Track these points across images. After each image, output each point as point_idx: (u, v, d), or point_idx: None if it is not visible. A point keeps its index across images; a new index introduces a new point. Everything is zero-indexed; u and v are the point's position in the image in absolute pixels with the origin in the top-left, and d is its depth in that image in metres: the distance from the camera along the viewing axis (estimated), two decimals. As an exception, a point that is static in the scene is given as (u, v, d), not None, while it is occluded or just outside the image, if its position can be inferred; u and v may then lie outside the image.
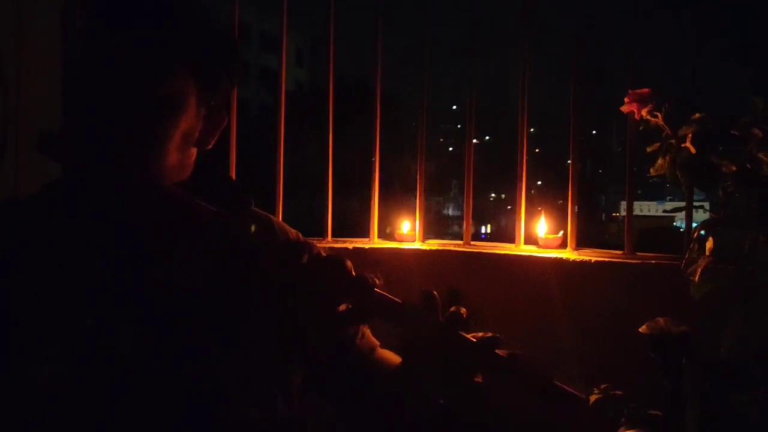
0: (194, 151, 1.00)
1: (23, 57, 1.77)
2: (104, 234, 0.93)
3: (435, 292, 0.93)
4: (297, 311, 0.87)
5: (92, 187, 0.93)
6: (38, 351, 0.85)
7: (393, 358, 1.11)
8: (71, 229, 0.92)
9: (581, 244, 1.71)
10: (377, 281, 0.88)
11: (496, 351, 0.93)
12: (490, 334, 0.94)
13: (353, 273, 0.87)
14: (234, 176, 1.91)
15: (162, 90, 0.92)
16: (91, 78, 0.93)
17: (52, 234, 0.92)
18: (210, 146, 1.02)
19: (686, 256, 1.21)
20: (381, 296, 0.89)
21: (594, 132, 30.78)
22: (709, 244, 1.20)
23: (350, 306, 0.88)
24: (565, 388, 0.92)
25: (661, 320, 1.18)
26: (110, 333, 0.87)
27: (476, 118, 1.82)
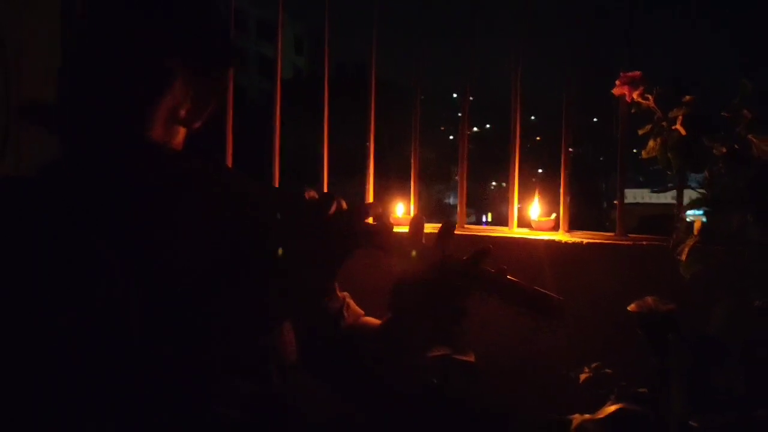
0: (182, 130, 1.03)
1: (23, 45, 1.78)
2: (106, 201, 0.95)
3: (422, 216, 0.99)
4: (295, 254, 0.90)
5: (90, 158, 0.96)
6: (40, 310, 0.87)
7: (377, 322, 1.14)
8: (74, 200, 0.95)
9: (582, 229, 1.73)
10: (372, 210, 0.93)
11: (483, 267, 0.96)
12: (476, 251, 0.97)
13: (345, 205, 0.91)
14: (230, 163, 1.93)
15: (149, 67, 0.95)
16: (79, 51, 0.96)
17: (56, 205, 0.94)
18: (196, 126, 1.04)
19: (673, 236, 1.23)
20: (372, 225, 0.93)
21: (595, 119, 30.72)
22: (697, 224, 1.22)
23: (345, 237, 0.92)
24: (546, 292, 0.95)
25: (649, 299, 1.19)
26: (110, 303, 0.89)
27: (477, 106, 1.84)
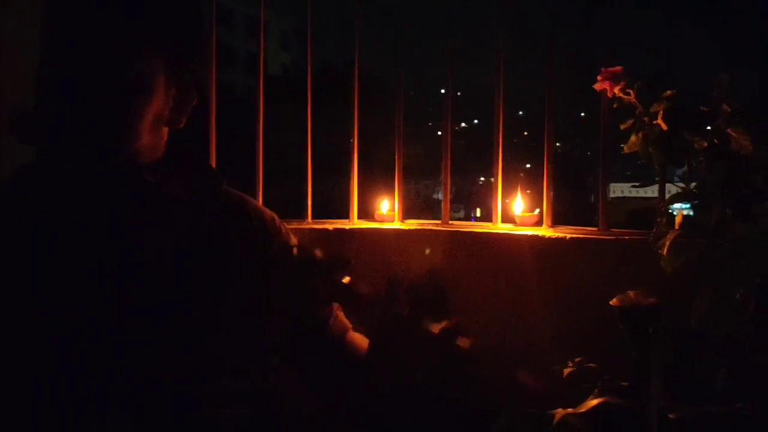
0: (166, 130, 1.02)
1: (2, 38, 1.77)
2: (82, 217, 0.94)
3: (400, 279, 0.98)
4: (268, 293, 0.90)
5: (69, 170, 0.95)
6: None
7: (364, 341, 1.14)
8: (49, 211, 0.94)
9: (570, 224, 1.74)
10: (347, 265, 0.93)
11: (459, 340, 0.96)
12: (450, 324, 0.97)
13: (320, 258, 0.91)
14: (214, 160, 1.92)
15: (132, 72, 0.93)
16: (62, 61, 0.94)
17: (30, 216, 0.94)
18: (181, 125, 1.03)
19: (654, 229, 1.23)
20: (348, 286, 0.93)
21: (583, 114, 30.77)
22: (678, 218, 1.23)
23: (317, 291, 0.92)
24: (523, 376, 0.96)
25: (631, 293, 1.20)
26: (89, 304, 0.89)
27: (466, 101, 1.85)
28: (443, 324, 0.98)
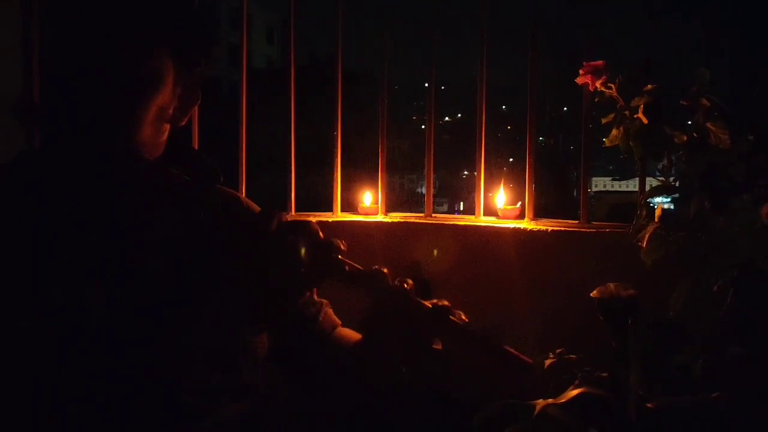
0: (167, 127, 1.02)
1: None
2: (81, 203, 0.94)
3: (385, 270, 0.99)
4: (267, 274, 0.91)
5: (72, 156, 0.95)
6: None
7: (353, 335, 1.15)
8: (47, 201, 0.94)
9: (554, 217, 1.75)
10: (342, 246, 0.93)
11: (450, 320, 0.97)
12: (444, 303, 0.98)
13: (321, 236, 0.92)
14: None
15: (141, 68, 0.94)
16: (70, 52, 0.94)
17: (29, 201, 0.93)
18: (183, 123, 1.04)
19: (634, 222, 1.25)
20: (345, 261, 0.94)
21: (566, 109, 30.89)
22: (658, 210, 1.24)
23: (316, 267, 0.93)
24: (514, 352, 0.96)
25: (611, 285, 1.21)
26: (80, 297, 0.89)
27: (450, 95, 1.85)
28: (435, 301, 0.99)
